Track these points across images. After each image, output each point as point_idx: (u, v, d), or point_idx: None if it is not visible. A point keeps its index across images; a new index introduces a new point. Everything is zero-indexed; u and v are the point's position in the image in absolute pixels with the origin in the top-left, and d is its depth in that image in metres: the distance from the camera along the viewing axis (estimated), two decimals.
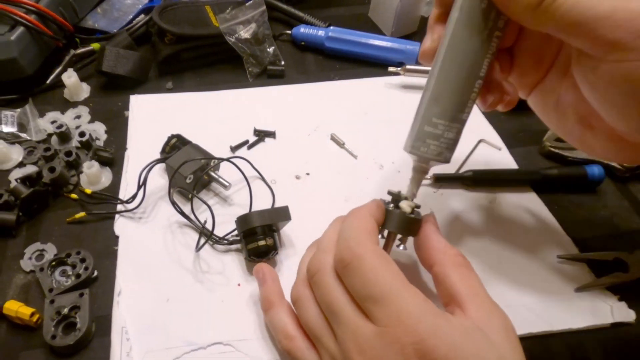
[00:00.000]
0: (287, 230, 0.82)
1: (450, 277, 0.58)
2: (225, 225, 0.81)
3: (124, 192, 0.86)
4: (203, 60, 1.08)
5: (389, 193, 0.67)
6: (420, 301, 0.52)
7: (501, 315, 0.55)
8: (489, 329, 0.52)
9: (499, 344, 0.52)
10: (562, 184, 0.87)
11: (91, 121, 0.98)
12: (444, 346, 0.49)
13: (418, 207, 0.65)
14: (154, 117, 0.98)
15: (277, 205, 0.84)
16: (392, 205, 0.65)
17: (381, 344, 0.51)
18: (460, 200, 0.88)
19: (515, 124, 0.98)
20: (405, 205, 0.64)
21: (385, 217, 0.64)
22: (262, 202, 0.85)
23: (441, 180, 0.89)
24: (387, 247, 0.65)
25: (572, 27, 0.49)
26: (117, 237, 0.81)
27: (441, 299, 0.60)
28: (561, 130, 0.67)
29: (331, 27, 1.11)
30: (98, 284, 0.76)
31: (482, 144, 0.91)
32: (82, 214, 0.83)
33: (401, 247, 0.66)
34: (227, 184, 0.83)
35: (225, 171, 0.86)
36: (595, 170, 0.85)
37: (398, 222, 0.63)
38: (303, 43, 1.13)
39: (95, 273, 0.76)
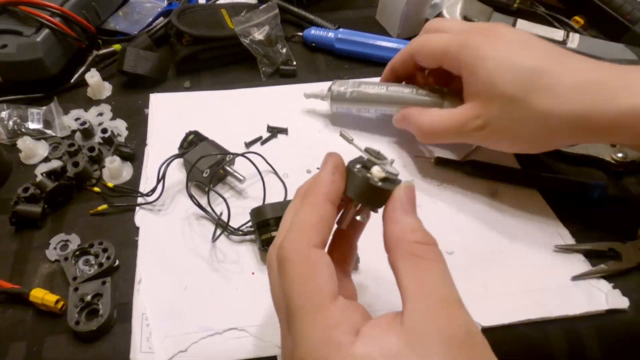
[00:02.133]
0: None
1: (399, 269, 0.47)
2: (240, 217, 0.81)
3: (144, 186, 0.86)
4: (219, 61, 1.08)
5: (366, 150, 0.56)
6: (324, 328, 0.43)
7: (451, 323, 0.42)
8: (423, 342, 0.41)
9: None
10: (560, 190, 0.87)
11: (113, 118, 0.98)
12: None
13: (395, 175, 0.53)
14: (173, 114, 0.98)
15: (289, 198, 0.84)
16: (359, 166, 0.54)
17: None
18: (462, 192, 0.87)
19: None
20: (376, 171, 0.52)
21: (347, 179, 0.53)
22: (275, 195, 0.85)
23: (442, 163, 0.90)
24: (343, 216, 0.56)
25: None
26: (137, 228, 0.81)
27: None
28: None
29: (340, 29, 1.11)
30: (119, 273, 0.76)
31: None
32: (104, 206, 0.83)
33: (358, 217, 0.54)
34: (241, 178, 0.83)
35: (240, 166, 0.86)
36: (596, 192, 0.84)
37: (358, 189, 0.52)
38: (314, 44, 1.12)
39: (117, 262, 0.76)
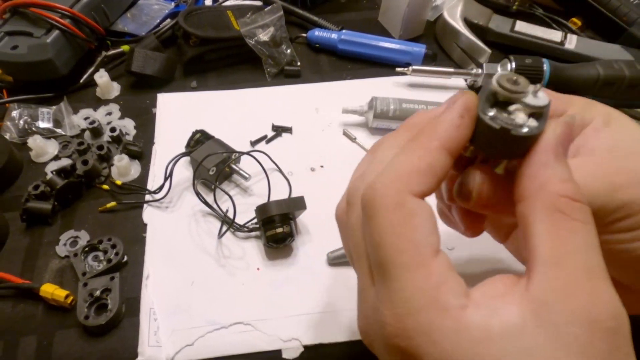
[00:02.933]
0: (303, 219, 0.82)
1: (533, 223, 0.35)
2: (246, 214, 0.81)
3: (152, 183, 0.86)
4: (225, 61, 1.08)
5: (500, 79, 0.38)
6: (426, 286, 0.34)
7: (596, 302, 0.31)
8: (555, 319, 0.31)
9: (558, 351, 0.30)
10: None
11: (121, 117, 0.98)
12: (437, 355, 0.32)
13: (542, 107, 0.36)
14: (180, 113, 0.98)
15: (293, 195, 0.83)
16: (493, 112, 0.38)
17: (374, 320, 0.38)
18: None
19: None
20: (520, 118, 0.36)
21: (475, 126, 0.39)
22: (280, 193, 0.84)
23: None
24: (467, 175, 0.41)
25: None
26: (145, 225, 0.81)
27: (520, 259, 0.42)
28: None
29: (343, 31, 1.11)
30: (128, 268, 0.76)
31: None
32: (113, 203, 0.83)
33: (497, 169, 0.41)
34: (247, 176, 0.83)
35: (246, 164, 0.86)
36: None
37: (492, 141, 0.38)
38: (317, 45, 1.12)
39: (125, 258, 0.76)
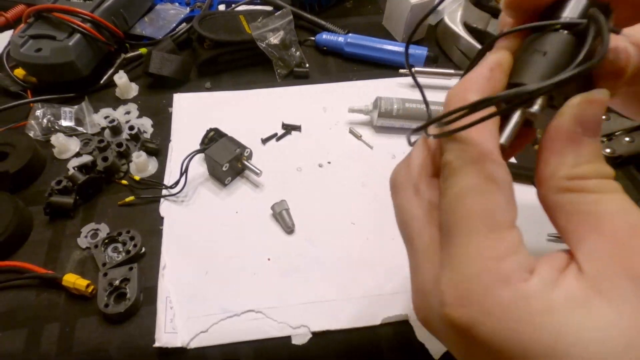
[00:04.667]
0: (310, 211, 0.81)
1: (554, 210, 0.35)
2: (257, 207, 0.82)
3: (168, 179, 0.86)
4: (237, 63, 1.07)
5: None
6: (491, 254, 0.31)
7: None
8: (611, 283, 0.29)
9: (622, 331, 0.27)
10: None
11: (139, 116, 0.97)
12: (494, 330, 0.30)
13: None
14: (195, 113, 0.98)
15: (300, 192, 0.83)
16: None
17: (432, 291, 0.34)
18: None
19: None
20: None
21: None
22: (290, 187, 0.84)
23: None
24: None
25: None
26: (162, 218, 0.81)
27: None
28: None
29: (350, 34, 1.10)
30: (145, 259, 0.76)
31: None
32: (131, 197, 0.82)
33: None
34: (258, 172, 0.83)
35: (257, 160, 0.86)
36: None
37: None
38: (325, 48, 1.11)
39: (143, 249, 0.76)
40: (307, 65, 1.08)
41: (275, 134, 0.94)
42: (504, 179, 0.34)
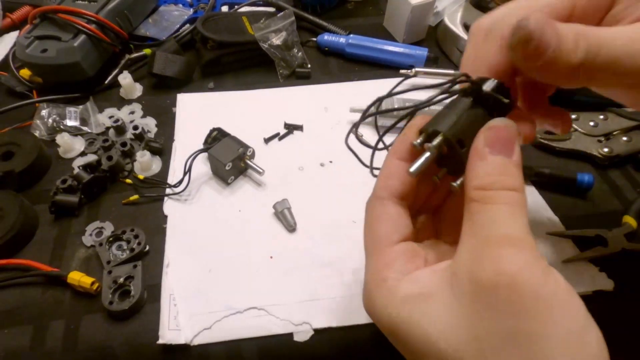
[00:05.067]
0: (312, 210, 0.81)
1: (464, 213, 0.41)
2: (259, 206, 0.82)
3: (172, 178, 0.86)
4: (240, 64, 1.07)
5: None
6: (377, 267, 0.43)
7: (482, 264, 0.36)
8: (455, 282, 0.37)
9: (454, 306, 0.37)
10: (552, 183, 0.85)
11: (143, 116, 0.97)
12: (375, 317, 0.42)
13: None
14: (198, 112, 0.98)
15: (304, 189, 0.83)
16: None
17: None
18: None
19: None
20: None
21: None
22: (292, 186, 0.84)
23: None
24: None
25: (615, 75, 0.40)
26: (166, 217, 0.80)
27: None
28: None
29: (351, 35, 1.10)
30: (149, 257, 0.76)
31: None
32: (135, 196, 0.82)
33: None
34: (261, 171, 0.83)
35: (260, 159, 0.86)
36: (585, 178, 0.83)
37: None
38: (327, 49, 1.11)
39: (147, 247, 0.76)
40: (309, 65, 1.08)
41: (278, 134, 0.94)
42: (386, 214, 0.46)
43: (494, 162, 0.39)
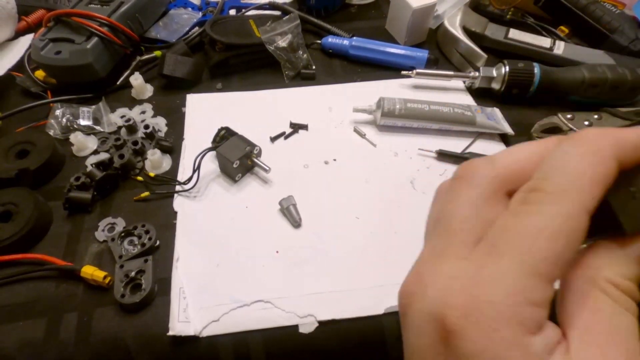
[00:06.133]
0: (316, 206, 0.81)
1: (574, 293, 0.30)
2: (266, 202, 0.81)
3: (182, 175, 0.86)
4: (247, 65, 1.07)
5: None
6: (517, 293, 0.27)
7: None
8: None
9: None
10: None
11: (154, 116, 0.97)
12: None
13: None
14: (207, 112, 0.98)
15: (308, 187, 0.83)
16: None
17: (435, 284, 0.31)
18: None
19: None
20: None
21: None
22: (297, 184, 0.84)
23: (443, 157, 0.89)
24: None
25: None
26: (175, 213, 0.80)
27: None
28: None
29: (354, 37, 1.10)
30: (160, 252, 0.76)
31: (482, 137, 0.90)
32: (146, 193, 0.82)
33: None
34: (267, 168, 0.83)
35: (266, 157, 0.86)
36: None
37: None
38: (331, 51, 1.11)
39: (158, 242, 0.76)
40: (314, 67, 1.08)
41: (283, 133, 0.93)
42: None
43: (623, 259, 0.30)
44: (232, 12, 1.19)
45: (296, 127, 0.94)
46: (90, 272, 0.69)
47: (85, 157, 0.89)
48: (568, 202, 0.29)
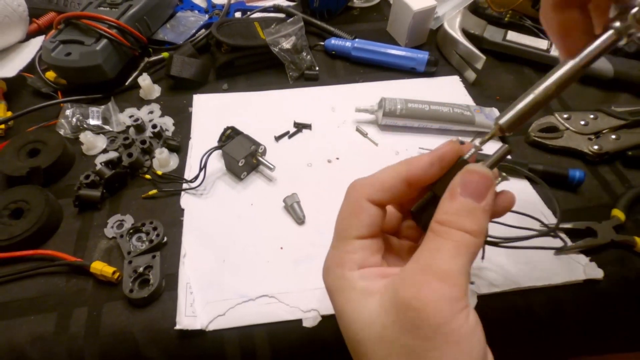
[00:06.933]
0: (319, 204, 0.81)
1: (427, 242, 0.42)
2: (271, 200, 0.81)
3: (188, 173, 0.85)
4: (252, 66, 1.07)
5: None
6: (339, 252, 0.47)
7: (405, 287, 0.39)
8: (386, 295, 0.41)
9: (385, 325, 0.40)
10: (545, 179, 0.85)
11: (162, 116, 0.97)
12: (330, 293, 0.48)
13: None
14: (213, 112, 0.97)
15: (312, 185, 0.83)
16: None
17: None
18: None
19: None
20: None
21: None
22: (301, 181, 0.84)
23: None
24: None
25: None
26: (182, 210, 0.80)
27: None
28: None
29: (356, 39, 1.10)
30: (167, 248, 0.75)
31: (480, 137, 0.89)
32: (154, 191, 0.82)
33: None
34: (272, 167, 0.82)
35: (271, 156, 0.86)
36: (576, 174, 0.82)
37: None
38: (334, 52, 1.11)
39: (165, 239, 0.76)
40: (317, 68, 1.08)
41: (288, 132, 0.93)
42: (365, 211, 0.47)
43: (460, 203, 0.42)
44: (238, 14, 1.19)
45: (300, 127, 0.94)
46: (100, 267, 0.69)
47: (95, 156, 0.89)
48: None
